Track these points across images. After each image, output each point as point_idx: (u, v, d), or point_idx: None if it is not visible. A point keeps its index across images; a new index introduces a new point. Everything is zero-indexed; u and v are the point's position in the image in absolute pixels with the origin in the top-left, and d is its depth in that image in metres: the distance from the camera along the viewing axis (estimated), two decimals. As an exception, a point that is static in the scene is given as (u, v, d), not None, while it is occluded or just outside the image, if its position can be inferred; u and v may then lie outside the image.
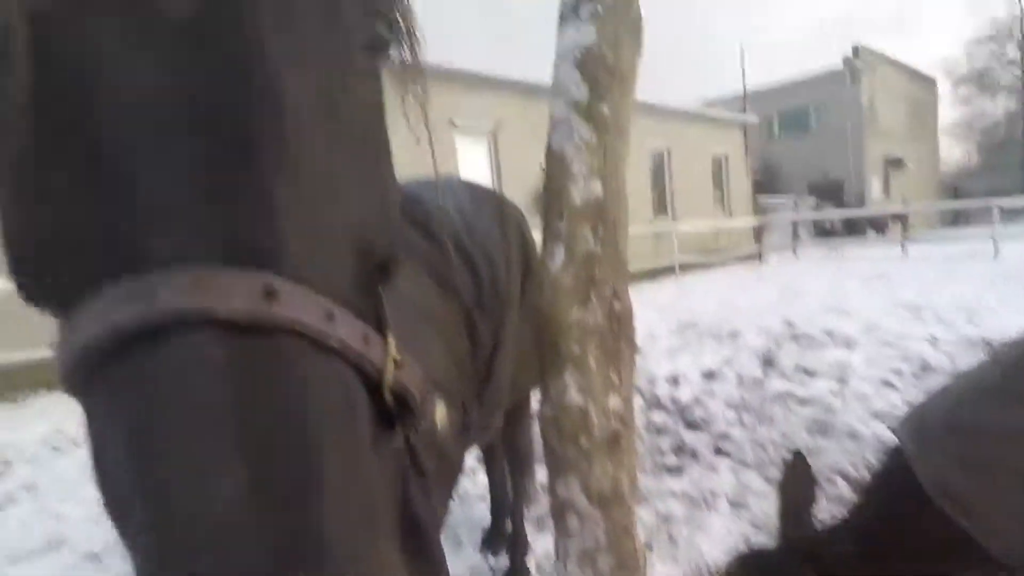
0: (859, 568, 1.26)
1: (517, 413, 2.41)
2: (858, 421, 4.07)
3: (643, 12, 2.08)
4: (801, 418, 4.25)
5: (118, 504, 0.34)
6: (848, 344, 6.20)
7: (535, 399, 2.10)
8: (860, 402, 4.45)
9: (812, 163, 27.14)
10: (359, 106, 0.49)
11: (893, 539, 1.26)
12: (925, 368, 5.14)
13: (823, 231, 22.93)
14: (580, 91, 1.93)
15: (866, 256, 15.59)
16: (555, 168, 1.96)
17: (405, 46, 0.58)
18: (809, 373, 5.32)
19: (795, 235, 18.53)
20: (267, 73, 0.39)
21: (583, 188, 1.89)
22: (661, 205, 16.28)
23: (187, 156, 0.34)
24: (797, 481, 1.47)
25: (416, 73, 0.62)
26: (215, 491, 0.28)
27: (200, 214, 0.34)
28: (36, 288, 0.39)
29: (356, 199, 0.46)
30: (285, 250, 0.36)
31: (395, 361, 0.47)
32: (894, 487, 1.35)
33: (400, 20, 0.57)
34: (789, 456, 1.54)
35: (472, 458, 3.74)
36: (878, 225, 22.69)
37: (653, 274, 14.28)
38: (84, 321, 0.34)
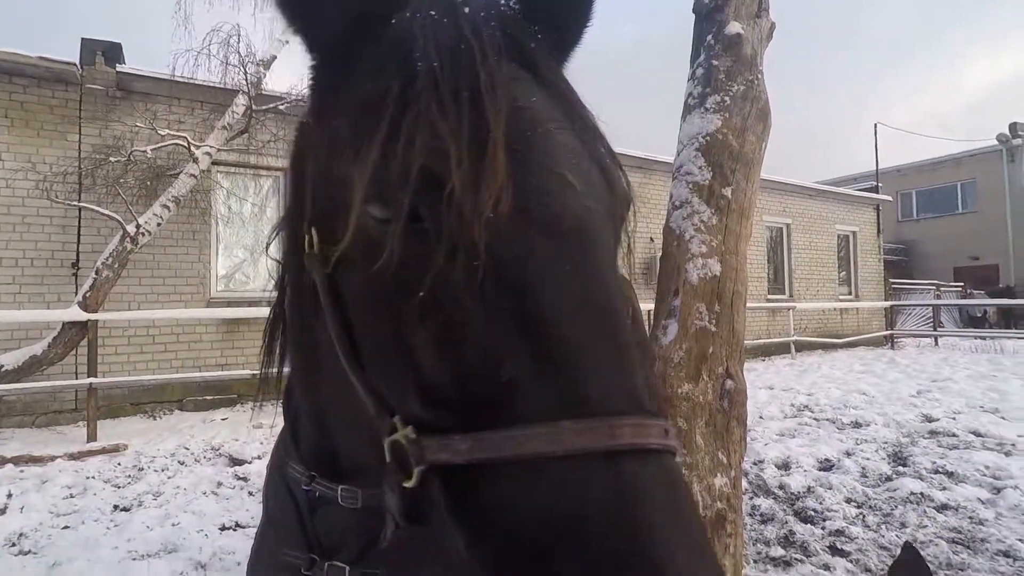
0: None
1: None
2: (1016, 538, 3.43)
3: (771, 101, 2.09)
4: (940, 526, 3.67)
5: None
6: (1003, 448, 5.33)
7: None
8: (1019, 517, 3.77)
9: (959, 246, 24.49)
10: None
11: None
12: (1109, 487, 4.27)
13: (973, 320, 20.30)
14: (703, 175, 1.95)
15: (1028, 352, 13.54)
16: (672, 246, 1.97)
17: None
18: (951, 476, 4.61)
19: (936, 322, 16.58)
20: (613, 280, 0.57)
21: (701, 266, 1.89)
22: (778, 280, 15.41)
23: (608, 341, 0.51)
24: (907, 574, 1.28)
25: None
26: (684, 553, 0.43)
27: (619, 379, 0.50)
28: (454, 408, 0.52)
29: None
30: (660, 405, 0.54)
31: None
32: None
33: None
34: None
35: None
36: (1045, 318, 19.69)
37: (766, 351, 13.35)
38: (528, 439, 0.47)
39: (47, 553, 3.42)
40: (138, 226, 6.70)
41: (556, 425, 0.46)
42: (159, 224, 6.99)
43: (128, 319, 7.17)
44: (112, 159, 7.11)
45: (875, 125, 21.86)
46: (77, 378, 6.53)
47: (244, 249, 8.86)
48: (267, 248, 0.95)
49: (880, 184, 20.05)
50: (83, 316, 6.13)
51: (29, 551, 3.45)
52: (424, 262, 0.52)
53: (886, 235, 19.67)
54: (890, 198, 20.27)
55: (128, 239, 6.64)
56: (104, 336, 6.98)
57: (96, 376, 6.05)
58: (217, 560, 3.37)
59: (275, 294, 1.00)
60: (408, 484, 0.53)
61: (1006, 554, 3.26)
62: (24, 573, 3.17)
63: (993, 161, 23.99)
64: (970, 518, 3.77)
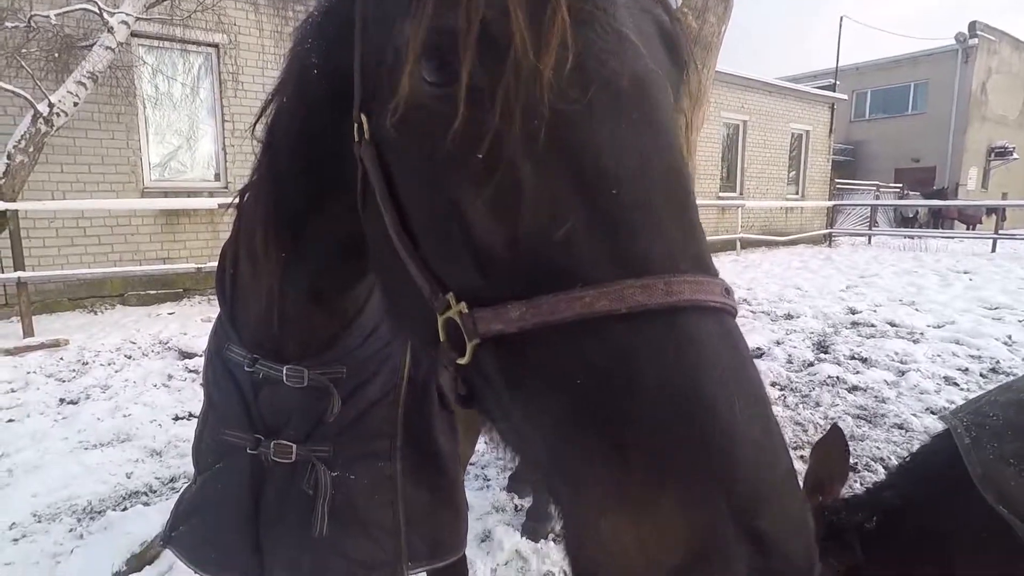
0: (874, 542, 1.23)
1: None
2: (911, 413, 3.87)
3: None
4: (849, 404, 4.09)
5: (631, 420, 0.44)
6: (913, 337, 5.86)
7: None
8: (916, 396, 4.22)
9: (904, 147, 25.14)
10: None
11: (922, 520, 1.21)
12: (995, 369, 4.80)
13: (905, 220, 21.44)
14: None
15: (951, 250, 14.53)
16: None
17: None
18: (864, 362, 5.07)
19: (872, 222, 17.42)
20: (676, 141, 0.54)
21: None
22: (730, 179, 15.62)
23: (669, 199, 0.50)
24: (829, 451, 1.43)
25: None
26: (737, 402, 0.43)
27: (679, 237, 0.49)
28: (510, 273, 0.50)
29: None
30: (713, 264, 0.52)
31: None
32: (934, 472, 1.29)
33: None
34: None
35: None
36: (968, 218, 20.96)
37: (713, 249, 13.64)
38: (594, 299, 0.45)
39: (-6, 444, 3.41)
40: (51, 105, 6.04)
41: (617, 283, 0.45)
42: (76, 104, 6.32)
43: (53, 209, 6.70)
44: (8, 24, 6.24)
45: (840, 18, 21.38)
46: (3, 272, 6.17)
47: (178, 135, 8.21)
48: (253, 129, 0.90)
49: (838, 82, 19.99)
50: (0, 206, 5.67)
51: (-26, 443, 3.43)
52: (481, 126, 0.50)
53: (837, 135, 19.95)
54: (845, 97, 20.32)
55: (41, 120, 6.02)
56: (28, 228, 6.54)
57: (23, 270, 5.73)
58: (172, 447, 3.44)
59: (255, 179, 0.94)
60: (462, 361, 0.52)
61: (900, 427, 3.69)
62: (-29, 463, 3.17)
63: (948, 61, 24.10)
64: (875, 397, 4.20)
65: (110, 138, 7.40)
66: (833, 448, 1.42)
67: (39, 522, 2.67)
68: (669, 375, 0.44)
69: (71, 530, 2.62)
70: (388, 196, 0.60)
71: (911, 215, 21.36)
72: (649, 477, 0.42)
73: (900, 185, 23.08)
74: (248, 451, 1.05)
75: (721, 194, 15.00)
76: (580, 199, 0.48)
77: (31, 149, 6.04)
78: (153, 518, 2.55)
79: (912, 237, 16.54)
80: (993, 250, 14.06)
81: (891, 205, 19.98)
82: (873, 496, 1.32)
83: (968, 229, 20.14)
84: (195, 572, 1.15)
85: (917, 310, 7.16)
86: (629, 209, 0.48)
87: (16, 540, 2.52)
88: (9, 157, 5.91)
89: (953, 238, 16.71)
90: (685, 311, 0.46)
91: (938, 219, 21.43)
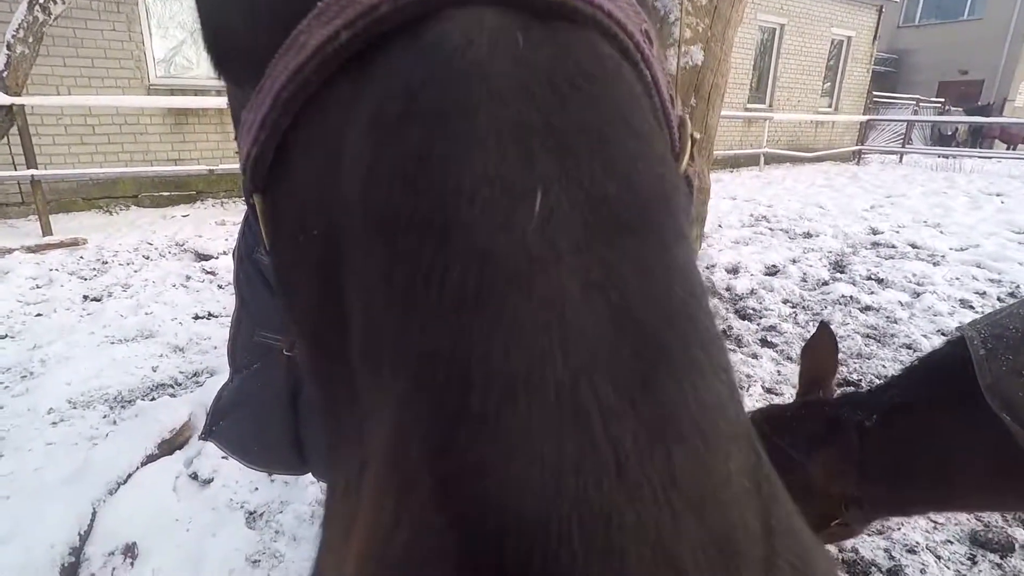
0: (870, 440, 1.25)
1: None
2: (921, 334, 3.87)
3: None
4: (860, 323, 4.08)
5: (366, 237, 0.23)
6: (933, 259, 5.74)
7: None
8: (929, 317, 4.20)
9: (953, 57, 23.36)
10: None
11: (921, 421, 1.23)
12: (1014, 294, 4.73)
13: (943, 138, 20.37)
14: None
15: (986, 171, 13.91)
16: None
17: None
18: (880, 282, 5.01)
19: (906, 139, 16.59)
20: None
21: (683, 54, 1.71)
22: (760, 89, 14.77)
23: None
24: (820, 348, 1.44)
25: None
26: (528, 210, 0.21)
27: None
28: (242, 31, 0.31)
29: None
30: None
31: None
32: (940, 377, 1.29)
33: None
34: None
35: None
36: (1011, 138, 19.84)
37: (735, 163, 13.36)
38: (308, 33, 0.25)
39: (24, 337, 3.55)
40: (46, -8, 5.75)
41: None
42: (71, -10, 6.01)
43: (59, 105, 6.55)
44: (-7, -101, 5.81)
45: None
46: (16, 169, 6.16)
47: (182, 28, 7.83)
48: None
49: (890, -19, 18.28)
50: (6, 100, 5.55)
51: (6, 335, 3.57)
52: None
53: (881, 42, 18.57)
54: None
55: (38, 6, 5.75)
56: (36, 125, 6.44)
57: (36, 168, 5.71)
58: (194, 344, 3.57)
59: None
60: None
61: (909, 347, 3.70)
62: (5, 355, 3.32)
63: (1015, -41, 21.82)
64: (887, 318, 4.19)
65: (111, 29, 7.08)
66: (823, 345, 1.44)
67: (74, 408, 2.82)
68: (390, 153, 0.22)
69: (104, 416, 2.77)
70: None
71: (949, 133, 20.29)
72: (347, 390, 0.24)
73: (942, 100, 21.73)
74: (285, 352, 1.06)
75: (749, 105, 14.26)
76: None
77: (30, 40, 5.82)
78: (180, 408, 2.68)
79: (947, 156, 15.79)
80: (1031, 172, 13.46)
81: (928, 121, 18.93)
82: (875, 396, 1.34)
83: (1008, 149, 19.16)
84: (239, 462, 1.21)
85: (941, 232, 6.97)
86: None
87: (55, 423, 2.69)
88: (9, 47, 5.71)
89: (991, 158, 15.96)
90: (449, 9, 0.23)
91: (978, 138, 20.36)
